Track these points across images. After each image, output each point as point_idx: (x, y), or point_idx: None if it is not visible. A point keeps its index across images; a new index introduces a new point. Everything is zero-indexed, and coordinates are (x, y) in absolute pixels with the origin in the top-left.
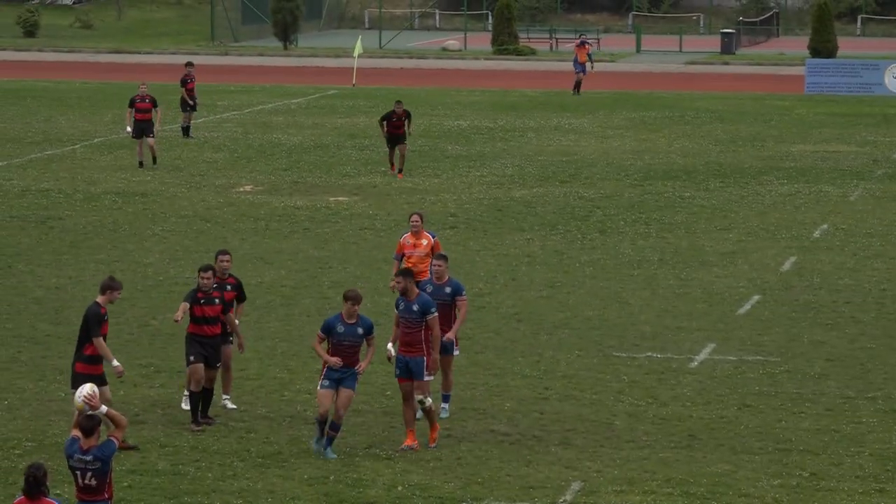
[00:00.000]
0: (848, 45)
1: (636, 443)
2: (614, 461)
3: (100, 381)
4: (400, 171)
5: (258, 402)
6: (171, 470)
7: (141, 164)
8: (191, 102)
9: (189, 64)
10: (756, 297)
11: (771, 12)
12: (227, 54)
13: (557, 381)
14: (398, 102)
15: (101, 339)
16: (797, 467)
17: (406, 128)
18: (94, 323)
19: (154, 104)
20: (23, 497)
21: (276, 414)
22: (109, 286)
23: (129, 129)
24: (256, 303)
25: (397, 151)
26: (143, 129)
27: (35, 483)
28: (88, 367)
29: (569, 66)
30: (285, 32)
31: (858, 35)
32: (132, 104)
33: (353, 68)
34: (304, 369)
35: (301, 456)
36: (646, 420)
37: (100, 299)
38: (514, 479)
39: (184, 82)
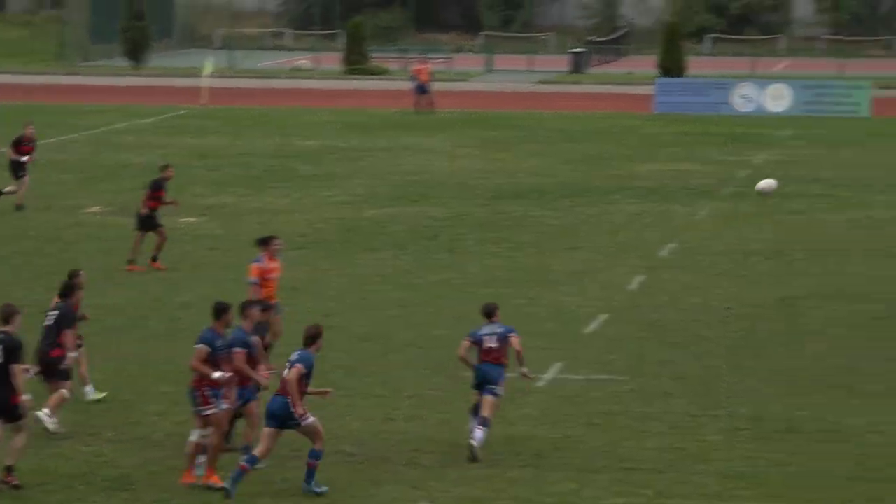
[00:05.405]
0: (697, 65)
1: (483, 462)
2: (461, 481)
3: None
4: (154, 258)
5: (106, 426)
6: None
7: None
8: None
9: None
10: (603, 317)
11: (622, 31)
12: (76, 74)
13: (405, 400)
14: (165, 168)
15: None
16: (642, 486)
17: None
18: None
19: None
20: None
21: (125, 436)
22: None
23: None
24: (106, 323)
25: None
26: None
27: None
28: None
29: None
30: (135, 52)
31: (707, 54)
32: None
33: (202, 88)
34: (153, 390)
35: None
36: (493, 440)
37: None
38: (360, 500)
39: None
